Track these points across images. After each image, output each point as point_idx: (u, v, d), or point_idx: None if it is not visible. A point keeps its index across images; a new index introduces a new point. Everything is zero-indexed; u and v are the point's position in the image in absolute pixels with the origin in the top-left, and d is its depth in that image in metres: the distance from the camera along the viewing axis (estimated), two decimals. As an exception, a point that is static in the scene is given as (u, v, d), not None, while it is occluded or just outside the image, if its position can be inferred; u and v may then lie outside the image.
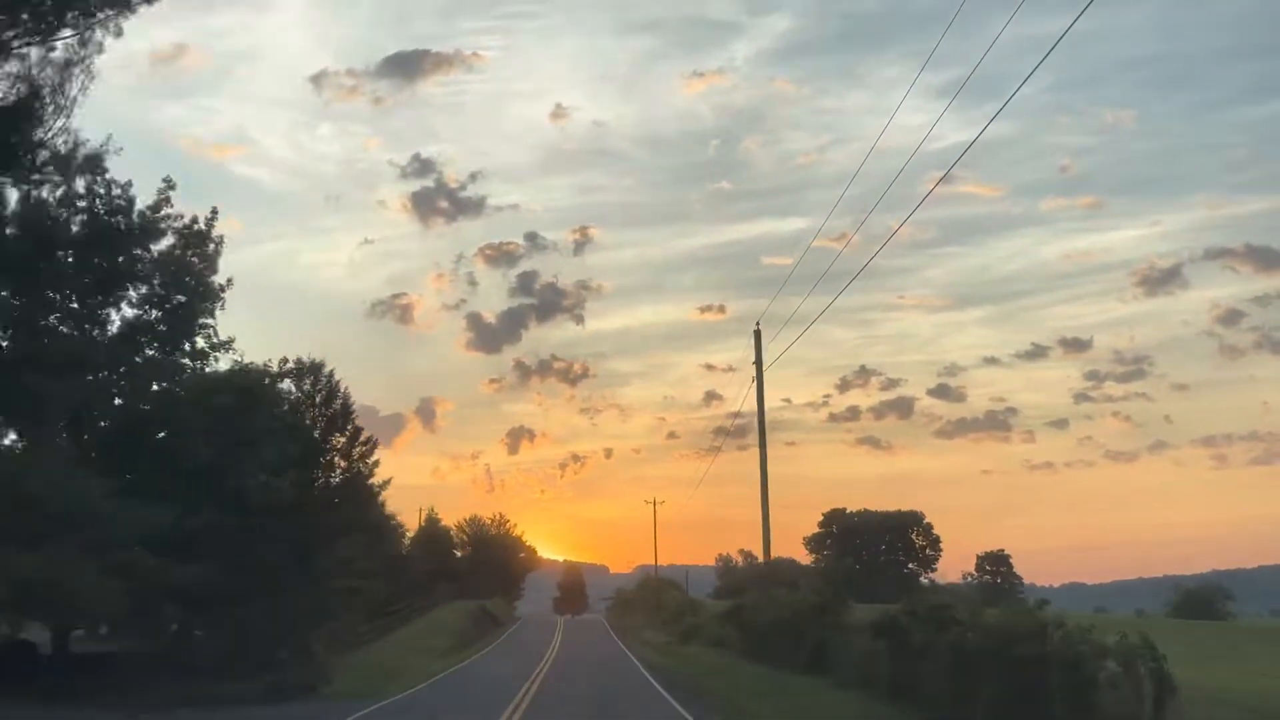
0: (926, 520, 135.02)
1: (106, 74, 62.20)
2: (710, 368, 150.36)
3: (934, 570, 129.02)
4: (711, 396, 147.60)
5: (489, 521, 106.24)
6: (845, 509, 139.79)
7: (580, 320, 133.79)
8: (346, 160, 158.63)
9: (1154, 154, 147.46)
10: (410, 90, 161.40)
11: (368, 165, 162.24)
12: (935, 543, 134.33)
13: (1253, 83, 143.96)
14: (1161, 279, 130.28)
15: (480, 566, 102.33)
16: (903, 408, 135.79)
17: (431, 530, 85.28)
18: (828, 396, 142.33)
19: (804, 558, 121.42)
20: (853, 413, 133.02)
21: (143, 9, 22.00)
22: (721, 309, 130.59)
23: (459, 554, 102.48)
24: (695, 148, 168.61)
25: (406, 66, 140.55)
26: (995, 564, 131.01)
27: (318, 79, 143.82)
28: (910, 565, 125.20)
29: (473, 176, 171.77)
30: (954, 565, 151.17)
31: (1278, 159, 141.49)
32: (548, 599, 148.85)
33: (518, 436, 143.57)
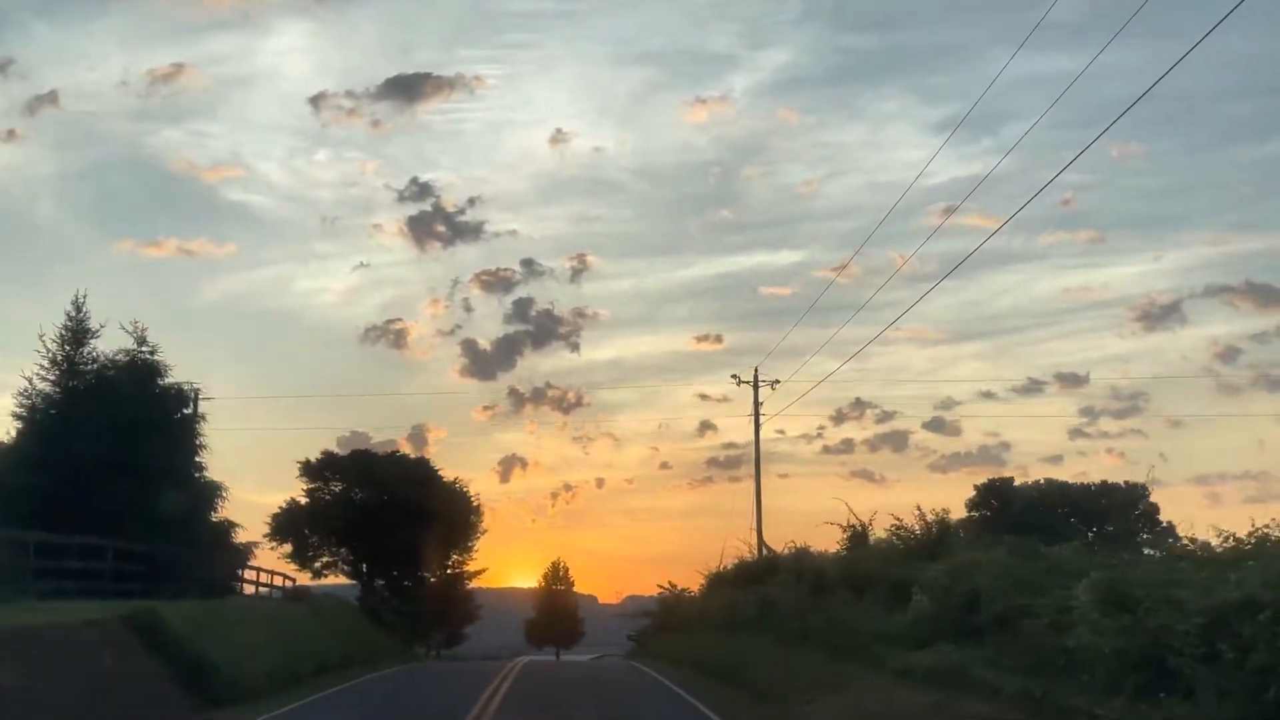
0: (1152, 498, 78.24)
1: (106, 95, 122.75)
2: (705, 398, 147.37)
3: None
4: (706, 427, 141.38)
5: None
6: (1013, 480, 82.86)
7: (575, 348, 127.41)
8: (343, 184, 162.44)
9: (1156, 190, 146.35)
10: (410, 114, 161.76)
11: (365, 189, 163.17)
12: (1163, 534, 75.86)
13: (1256, 121, 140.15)
14: (1160, 315, 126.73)
15: (363, 525, 44.21)
16: (897, 440, 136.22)
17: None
18: (821, 429, 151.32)
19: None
20: (847, 445, 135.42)
21: None
22: (718, 339, 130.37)
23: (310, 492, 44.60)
24: (693, 178, 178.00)
25: (406, 90, 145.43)
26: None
27: (316, 101, 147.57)
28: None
29: (471, 202, 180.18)
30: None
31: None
32: (520, 626, 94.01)
33: (509, 465, 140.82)
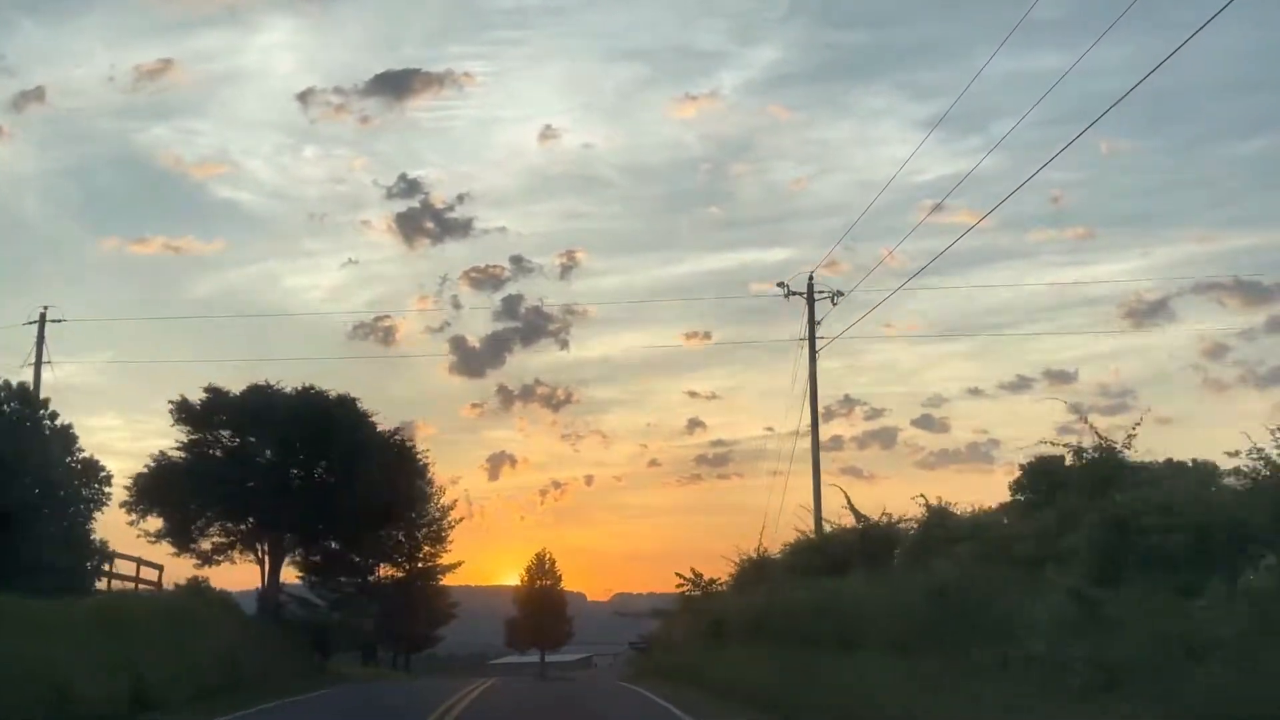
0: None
1: (93, 92, 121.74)
2: (694, 395, 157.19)
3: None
4: (695, 424, 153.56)
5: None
6: (1064, 459, 67.53)
7: (565, 345, 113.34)
8: (331, 180, 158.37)
9: (1145, 187, 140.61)
10: (398, 110, 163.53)
11: (353, 186, 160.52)
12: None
13: (1245, 117, 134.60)
14: (1148, 312, 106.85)
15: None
16: (885, 438, 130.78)
17: None
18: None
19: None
20: (836, 442, 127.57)
21: None
22: (707, 336, 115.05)
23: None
24: (682, 175, 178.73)
25: (395, 86, 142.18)
26: None
27: (304, 97, 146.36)
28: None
29: (459, 198, 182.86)
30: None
31: (1268, 193, 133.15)
32: (502, 624, 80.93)
33: (498, 462, 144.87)
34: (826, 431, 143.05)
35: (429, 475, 35.58)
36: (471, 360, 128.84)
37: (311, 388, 32.54)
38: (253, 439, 32.09)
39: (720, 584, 34.28)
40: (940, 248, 34.36)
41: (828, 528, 28.41)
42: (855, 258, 79.16)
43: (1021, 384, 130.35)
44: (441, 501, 50.64)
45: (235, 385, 32.51)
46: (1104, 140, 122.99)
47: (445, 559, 55.32)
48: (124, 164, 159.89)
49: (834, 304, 33.32)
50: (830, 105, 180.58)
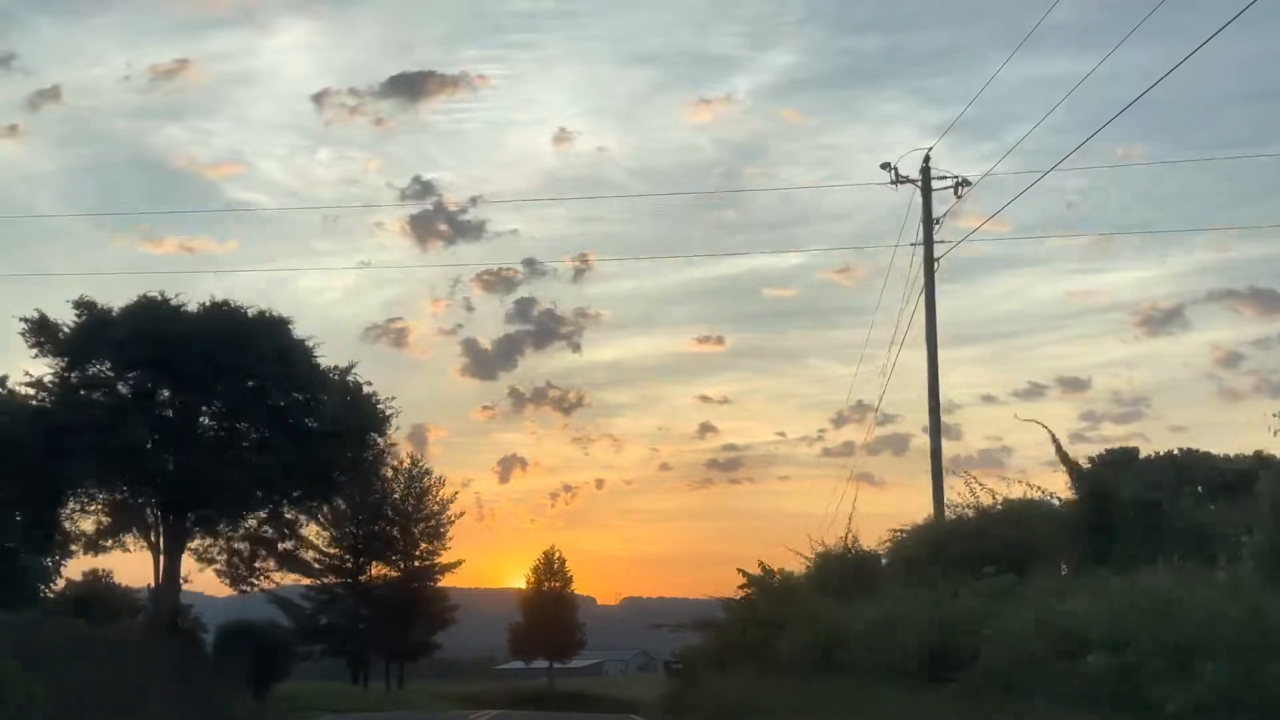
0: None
1: (108, 91, 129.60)
2: (705, 399, 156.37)
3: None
4: (706, 429, 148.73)
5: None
6: (1138, 450, 59.02)
7: (577, 348, 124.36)
8: (345, 182, 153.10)
9: (1160, 194, 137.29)
10: (412, 112, 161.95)
11: (367, 187, 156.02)
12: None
13: (1261, 125, 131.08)
14: (1163, 320, 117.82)
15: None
16: (898, 444, 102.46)
17: None
18: (823, 431, 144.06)
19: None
20: (847, 448, 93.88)
21: None
22: (719, 340, 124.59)
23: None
24: (695, 179, 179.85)
25: (409, 88, 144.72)
26: None
27: (319, 98, 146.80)
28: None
29: (473, 201, 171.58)
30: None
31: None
32: (509, 629, 72.27)
33: (509, 465, 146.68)
34: (837, 437, 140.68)
35: (390, 431, 25.99)
36: (483, 363, 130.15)
37: (225, 302, 23.18)
38: (140, 372, 22.76)
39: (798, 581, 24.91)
40: (950, 254, 27.30)
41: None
42: (871, 262, 73.06)
43: (1035, 390, 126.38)
44: (440, 495, 49.26)
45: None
46: (1119, 147, 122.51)
47: (444, 557, 52.08)
48: (139, 164, 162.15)
49: (958, 196, 24.06)
50: (843, 110, 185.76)
